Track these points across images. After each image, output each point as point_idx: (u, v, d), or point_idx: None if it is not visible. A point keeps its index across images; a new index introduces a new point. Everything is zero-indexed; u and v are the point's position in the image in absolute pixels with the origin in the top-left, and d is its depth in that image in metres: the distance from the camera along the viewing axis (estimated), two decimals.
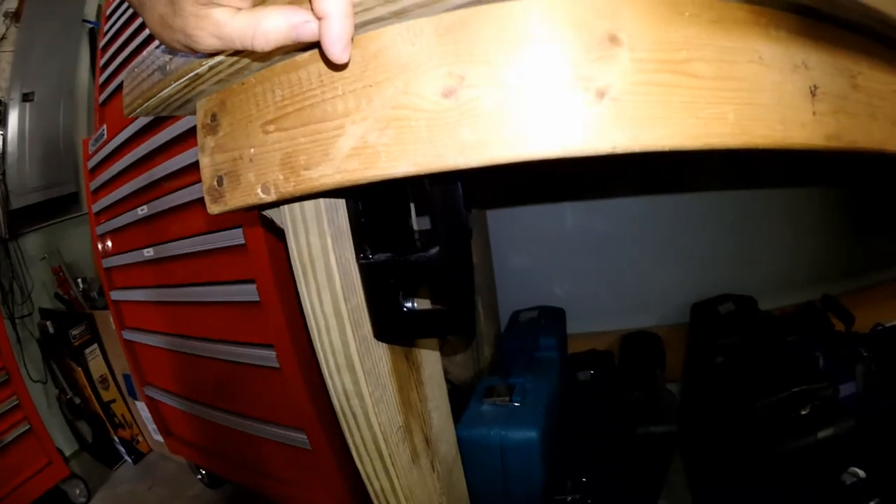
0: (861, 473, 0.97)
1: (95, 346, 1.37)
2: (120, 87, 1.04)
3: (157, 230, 0.97)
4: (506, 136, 0.26)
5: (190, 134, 0.85)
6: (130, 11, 1.07)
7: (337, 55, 0.24)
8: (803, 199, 1.49)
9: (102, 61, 1.16)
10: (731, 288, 1.42)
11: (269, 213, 0.44)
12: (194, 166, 0.82)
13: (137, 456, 1.32)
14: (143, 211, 0.99)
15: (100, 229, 1.14)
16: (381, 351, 0.46)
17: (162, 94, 0.37)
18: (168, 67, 0.35)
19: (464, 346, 1.24)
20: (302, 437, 0.86)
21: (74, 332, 1.39)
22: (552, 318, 1.40)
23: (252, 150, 0.33)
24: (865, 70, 0.32)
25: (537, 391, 1.04)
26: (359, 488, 0.87)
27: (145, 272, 1.03)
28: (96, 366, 1.32)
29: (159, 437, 1.27)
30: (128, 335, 1.14)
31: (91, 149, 1.14)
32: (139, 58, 0.39)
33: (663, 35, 0.26)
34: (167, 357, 1.04)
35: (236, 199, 0.36)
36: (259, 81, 0.33)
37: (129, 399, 1.31)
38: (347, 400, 0.45)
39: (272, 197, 0.33)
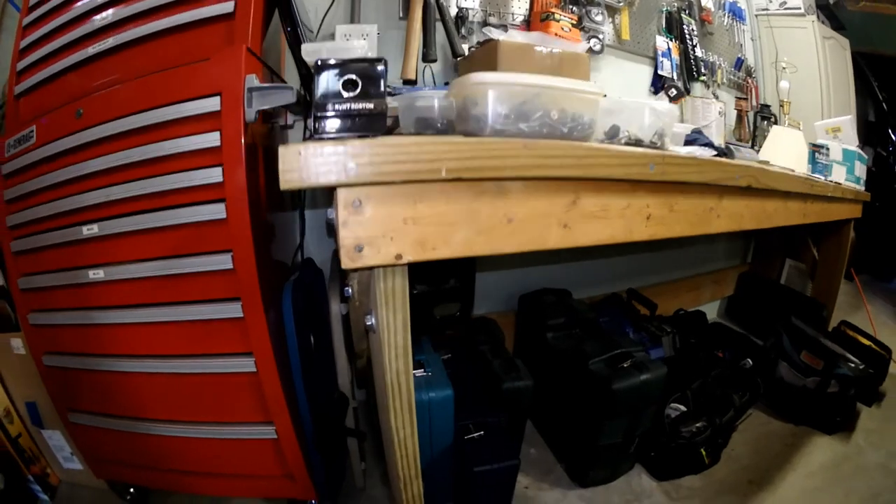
0: (682, 408, 1.39)
1: None
2: (50, 78, 0.97)
3: (109, 251, 0.96)
4: (530, 242, 0.62)
5: (190, 155, 0.87)
6: None
7: None
8: None
9: (24, 44, 1.00)
10: (549, 283, 1.80)
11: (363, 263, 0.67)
12: (190, 190, 0.88)
13: (52, 492, 1.23)
14: (90, 230, 0.95)
15: (16, 246, 1.03)
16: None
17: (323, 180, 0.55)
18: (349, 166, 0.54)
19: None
20: (270, 428, 0.99)
21: None
22: None
23: (392, 232, 0.59)
24: (680, 200, 0.77)
25: (436, 363, 1.23)
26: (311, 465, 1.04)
27: (84, 294, 0.99)
28: None
29: (73, 465, 1.21)
30: (50, 361, 1.06)
31: (8, 151, 1.00)
32: (310, 146, 0.53)
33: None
34: (105, 379, 1.02)
35: (371, 260, 0.59)
36: (405, 190, 0.58)
37: (32, 429, 1.21)
38: (397, 377, 0.69)
39: (402, 262, 0.60)
